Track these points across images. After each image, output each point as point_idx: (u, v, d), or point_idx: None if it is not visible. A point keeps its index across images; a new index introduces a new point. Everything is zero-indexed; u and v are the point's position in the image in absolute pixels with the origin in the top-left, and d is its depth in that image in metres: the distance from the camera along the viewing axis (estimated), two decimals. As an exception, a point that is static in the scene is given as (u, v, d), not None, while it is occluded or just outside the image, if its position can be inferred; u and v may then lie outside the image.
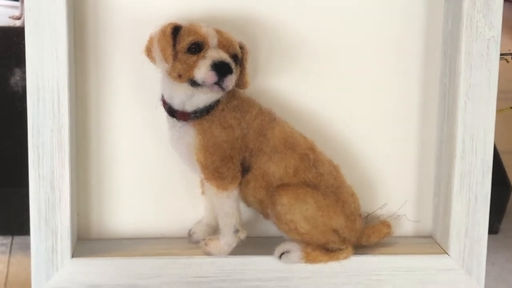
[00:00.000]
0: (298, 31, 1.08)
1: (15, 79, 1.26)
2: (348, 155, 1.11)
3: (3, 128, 1.19)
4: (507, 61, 1.49)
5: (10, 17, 1.60)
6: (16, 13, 1.61)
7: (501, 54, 1.09)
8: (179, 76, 0.97)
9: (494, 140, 1.07)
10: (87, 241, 1.09)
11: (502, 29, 1.04)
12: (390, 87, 1.11)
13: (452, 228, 1.07)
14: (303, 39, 1.08)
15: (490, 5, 1.02)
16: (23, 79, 1.26)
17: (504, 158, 1.29)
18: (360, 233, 1.07)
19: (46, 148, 1.01)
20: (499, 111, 1.16)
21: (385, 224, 1.10)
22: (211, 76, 0.95)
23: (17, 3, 1.62)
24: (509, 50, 1.62)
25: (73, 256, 1.04)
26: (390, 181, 1.13)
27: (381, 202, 1.13)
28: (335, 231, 1.04)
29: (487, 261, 1.08)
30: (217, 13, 1.05)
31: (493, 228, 1.23)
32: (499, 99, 1.07)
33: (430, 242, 1.13)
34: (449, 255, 1.08)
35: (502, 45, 1.07)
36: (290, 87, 1.09)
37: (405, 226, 1.14)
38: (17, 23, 1.58)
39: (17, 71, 1.27)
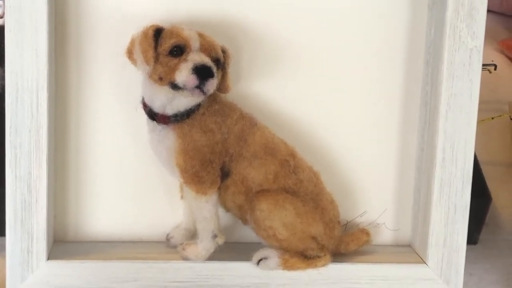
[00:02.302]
0: (281, 36, 1.07)
1: (-5, 78, 1.25)
2: (328, 162, 1.11)
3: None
4: (490, 72, 1.50)
5: (-9, 16, 1.58)
6: (-1, 11, 1.59)
7: (483, 65, 1.10)
8: (160, 79, 0.96)
9: (475, 151, 1.07)
10: (63, 244, 1.08)
11: (485, 39, 1.04)
12: (371, 94, 1.10)
13: (430, 237, 1.07)
14: (286, 45, 1.08)
15: (473, 15, 1.02)
16: (3, 78, 1.25)
17: (485, 169, 1.29)
18: (339, 240, 1.07)
19: (24, 148, 1.00)
20: (480, 121, 1.16)
21: (364, 232, 1.10)
22: (192, 80, 0.94)
23: (0, 2, 1.60)
24: (492, 60, 1.62)
25: (48, 258, 1.03)
26: (370, 189, 1.13)
27: (361, 210, 1.13)
28: (314, 238, 1.03)
29: (465, 271, 1.08)
30: (199, 16, 1.05)
31: (472, 238, 1.22)
32: (481, 110, 1.07)
33: (409, 251, 1.12)
34: (427, 265, 1.07)
35: (485, 55, 1.07)
36: (272, 92, 1.09)
37: (384, 235, 1.14)
38: (-1, 22, 1.56)
39: (-3, 70, 1.25)
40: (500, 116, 1.46)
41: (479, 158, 1.27)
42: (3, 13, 1.57)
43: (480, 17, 1.02)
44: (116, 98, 1.06)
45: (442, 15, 1.03)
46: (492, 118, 1.45)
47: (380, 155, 1.12)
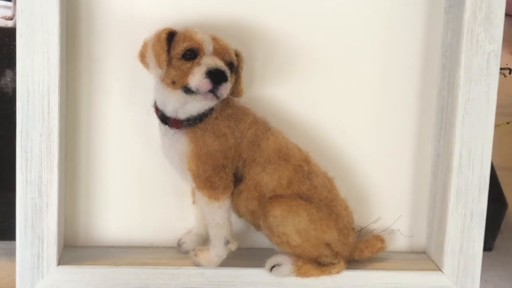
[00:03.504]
0: (295, 40, 1.06)
1: (5, 80, 1.23)
2: (343, 167, 1.09)
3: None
4: (505, 76, 1.48)
5: (1, 17, 1.58)
6: (8, 13, 1.58)
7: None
8: (173, 82, 0.95)
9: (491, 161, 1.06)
10: (73, 248, 1.07)
11: (500, 43, 1.03)
12: (387, 99, 1.09)
13: (446, 244, 1.05)
14: (300, 49, 1.06)
15: (491, 18, 1.01)
16: (14, 80, 1.24)
17: (500, 174, 1.27)
18: (353, 247, 1.06)
19: (35, 152, 0.99)
20: (495, 126, 1.14)
21: (379, 238, 1.08)
22: (205, 84, 0.93)
23: (9, 3, 1.60)
24: (507, 64, 1.61)
25: (59, 263, 1.02)
26: (384, 195, 1.11)
27: (375, 216, 1.12)
28: (328, 244, 1.02)
29: (480, 278, 1.07)
30: (213, 20, 1.04)
31: (487, 245, 1.21)
32: (495, 114, 1.05)
33: (424, 258, 1.11)
34: (442, 272, 1.06)
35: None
36: (285, 97, 1.07)
37: (399, 241, 1.13)
38: (9, 23, 1.55)
39: (8, 72, 1.24)
40: (516, 121, 1.45)
41: (493, 163, 1.25)
42: (13, 15, 1.57)
43: (498, 21, 1.01)
44: (128, 102, 1.05)
45: (459, 19, 1.02)
46: (508, 123, 1.43)
47: (395, 161, 1.11)
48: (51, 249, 1.01)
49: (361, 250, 1.07)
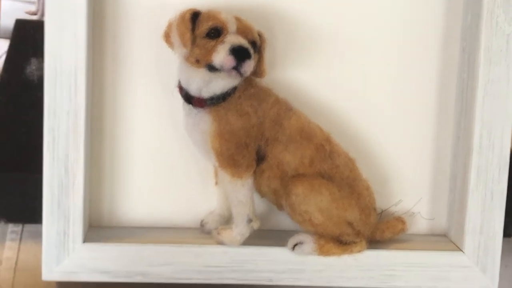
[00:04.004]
0: (316, 23, 1.08)
1: (31, 68, 1.26)
2: (363, 150, 1.10)
3: (18, 114, 1.20)
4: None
5: (26, 12, 1.60)
6: (33, 8, 1.61)
7: None
8: (197, 61, 0.97)
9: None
10: (98, 228, 1.08)
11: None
12: (407, 82, 1.10)
13: (467, 225, 1.06)
14: (321, 31, 1.08)
15: (510, 0, 1.02)
16: (39, 69, 1.27)
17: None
18: (375, 228, 1.07)
19: (62, 131, 1.00)
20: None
21: (400, 220, 1.09)
22: (229, 61, 0.94)
23: (34, -1, 1.63)
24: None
25: (84, 241, 1.03)
26: (405, 177, 1.12)
27: (396, 198, 1.13)
28: (349, 223, 1.03)
29: (500, 263, 1.07)
30: (235, 3, 1.05)
31: (507, 231, 1.20)
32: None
33: (445, 240, 1.12)
34: (463, 252, 1.06)
35: None
36: (306, 79, 1.09)
37: (420, 224, 1.13)
38: (33, 18, 1.58)
39: (34, 61, 1.27)
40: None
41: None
42: (37, 10, 1.60)
43: (517, 2, 1.02)
44: (152, 82, 1.07)
45: (479, 1, 1.03)
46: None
47: (415, 143, 1.12)
48: (77, 227, 1.02)
49: (382, 230, 1.07)
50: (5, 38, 1.53)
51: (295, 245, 1.04)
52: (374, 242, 1.07)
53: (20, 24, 1.40)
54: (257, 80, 1.03)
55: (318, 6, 1.07)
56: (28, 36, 1.36)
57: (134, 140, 1.08)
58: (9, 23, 1.54)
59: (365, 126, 1.11)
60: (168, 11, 1.00)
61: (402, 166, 1.12)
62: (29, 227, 1.17)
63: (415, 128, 1.11)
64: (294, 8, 1.07)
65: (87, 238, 1.04)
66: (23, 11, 1.60)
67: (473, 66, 1.05)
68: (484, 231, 1.06)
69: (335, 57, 1.09)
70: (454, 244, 1.09)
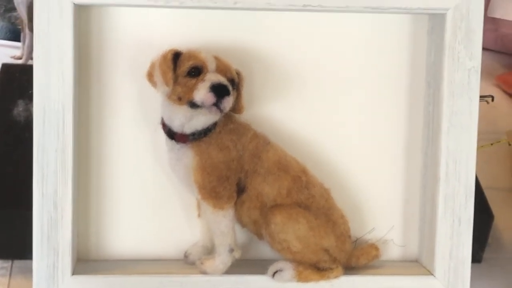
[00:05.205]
0: (290, 62, 1.14)
1: (18, 110, 1.31)
2: (337, 181, 1.15)
3: (6, 153, 1.24)
4: (487, 103, 1.56)
5: (11, 57, 1.66)
6: (18, 53, 1.67)
7: (481, 96, 1.16)
8: (179, 98, 1.02)
9: (476, 175, 1.13)
10: (86, 261, 1.12)
11: (482, 75, 1.10)
12: (377, 115, 1.16)
13: (437, 250, 1.11)
14: (295, 69, 1.14)
15: (470, 37, 1.09)
16: (25, 110, 1.32)
17: (487, 193, 1.33)
18: (350, 255, 1.12)
19: (51, 167, 1.05)
20: (480, 147, 1.22)
21: (373, 246, 1.15)
22: (210, 97, 1.00)
23: (19, 44, 1.68)
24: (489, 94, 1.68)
25: (73, 273, 1.07)
26: (377, 206, 1.18)
27: (369, 226, 1.18)
28: (326, 250, 1.08)
29: (470, 288, 1.13)
30: (214, 43, 1.11)
31: (476, 256, 1.27)
32: (480, 139, 1.13)
33: (416, 265, 1.17)
34: (434, 276, 1.12)
35: (482, 90, 1.13)
36: (282, 114, 1.14)
37: (392, 251, 1.18)
38: (18, 62, 1.63)
39: (20, 103, 1.32)
40: (499, 142, 1.52)
41: (480, 183, 1.32)
42: (22, 55, 1.65)
43: (477, 38, 1.09)
44: (136, 119, 1.12)
45: (441, 38, 1.10)
46: (492, 144, 1.50)
47: (386, 174, 1.18)
48: (66, 260, 1.06)
49: (357, 257, 1.12)
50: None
51: (275, 272, 1.09)
52: (350, 268, 1.12)
53: (6, 68, 1.45)
54: (236, 116, 1.08)
55: (292, 46, 1.13)
56: (14, 79, 1.41)
57: (119, 175, 1.13)
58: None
59: (338, 158, 1.16)
60: (149, 51, 1.06)
61: (374, 196, 1.18)
62: (18, 263, 1.20)
63: (385, 159, 1.17)
64: (269, 47, 1.13)
65: (75, 271, 1.08)
66: (8, 56, 1.66)
67: (438, 99, 1.11)
68: (453, 255, 1.12)
69: (309, 93, 1.14)
70: (426, 268, 1.14)
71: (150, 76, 1.05)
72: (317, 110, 1.15)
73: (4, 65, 1.48)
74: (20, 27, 1.67)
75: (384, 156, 1.17)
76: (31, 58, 1.65)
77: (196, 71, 1.02)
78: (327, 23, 1.13)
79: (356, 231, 1.16)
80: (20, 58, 1.64)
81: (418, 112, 1.16)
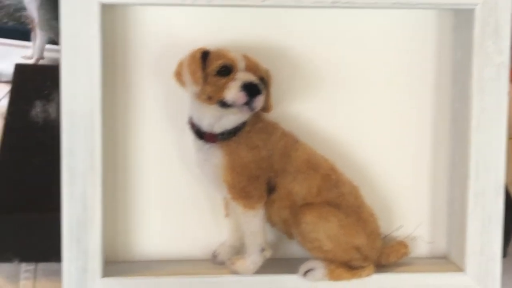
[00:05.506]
0: (318, 59, 1.13)
1: (35, 111, 1.30)
2: (365, 179, 1.15)
3: (25, 156, 1.22)
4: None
5: (22, 57, 1.64)
6: (28, 53, 1.65)
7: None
8: (209, 98, 1.01)
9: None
10: (114, 263, 1.11)
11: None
12: (403, 113, 1.16)
13: (468, 246, 1.11)
14: (322, 67, 1.13)
15: (499, 32, 1.08)
16: (43, 111, 1.30)
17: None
18: (380, 252, 1.11)
19: (79, 169, 1.04)
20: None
21: (402, 244, 1.14)
22: (241, 97, 0.99)
23: (29, 43, 1.67)
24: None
25: (103, 276, 1.06)
26: (405, 203, 1.17)
27: (397, 224, 1.17)
28: (357, 249, 1.07)
29: (497, 282, 1.12)
30: (242, 42, 1.10)
31: (502, 251, 1.26)
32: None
33: (446, 262, 1.17)
34: (465, 273, 1.11)
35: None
36: (310, 112, 1.13)
37: (421, 248, 1.18)
38: (29, 62, 1.62)
39: (38, 104, 1.30)
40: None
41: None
42: (32, 55, 1.63)
43: (505, 33, 1.08)
44: (162, 119, 1.11)
45: (469, 34, 1.09)
46: (510, 139, 1.50)
47: (413, 171, 1.17)
48: (96, 262, 1.05)
49: (387, 255, 1.12)
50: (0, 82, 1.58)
51: (307, 271, 1.08)
52: (380, 266, 1.11)
53: (20, 68, 1.44)
54: (264, 114, 1.07)
55: (320, 43, 1.12)
56: (29, 80, 1.39)
57: (146, 175, 1.12)
58: (3, 67, 1.58)
59: (365, 155, 1.16)
60: (175, 51, 1.06)
61: (402, 193, 1.17)
62: (42, 266, 1.19)
63: (412, 157, 1.17)
64: (296, 45, 1.12)
65: (105, 273, 1.07)
66: (19, 56, 1.64)
67: (466, 96, 1.10)
68: (484, 252, 1.11)
69: (336, 91, 1.14)
70: (456, 265, 1.14)
71: (179, 75, 1.04)
72: (344, 108, 1.14)
73: (17, 65, 1.47)
74: (30, 26, 1.65)
75: (411, 153, 1.17)
76: (42, 58, 1.64)
77: (226, 70, 1.01)
78: (353, 20, 1.12)
79: (384, 228, 1.15)
80: (31, 58, 1.63)
81: (444, 109, 1.15)
